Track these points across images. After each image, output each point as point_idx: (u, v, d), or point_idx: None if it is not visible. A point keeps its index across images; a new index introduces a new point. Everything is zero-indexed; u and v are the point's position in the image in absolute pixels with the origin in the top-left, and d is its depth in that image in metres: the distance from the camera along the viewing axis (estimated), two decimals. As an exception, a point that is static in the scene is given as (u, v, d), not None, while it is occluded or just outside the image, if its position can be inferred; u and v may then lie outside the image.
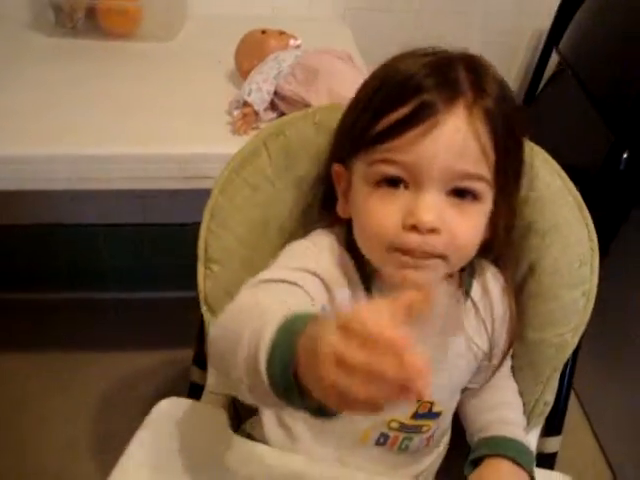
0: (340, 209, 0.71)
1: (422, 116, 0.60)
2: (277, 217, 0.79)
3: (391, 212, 0.62)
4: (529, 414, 0.78)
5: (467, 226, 0.63)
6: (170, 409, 0.76)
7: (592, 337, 0.78)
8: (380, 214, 0.63)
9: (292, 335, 0.47)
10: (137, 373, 1.64)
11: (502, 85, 0.64)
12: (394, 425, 0.72)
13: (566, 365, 0.78)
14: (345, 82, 0.99)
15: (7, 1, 1.39)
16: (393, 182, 0.62)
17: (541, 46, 1.46)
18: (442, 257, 0.63)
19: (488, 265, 0.74)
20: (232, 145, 0.98)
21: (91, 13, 1.33)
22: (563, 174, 0.76)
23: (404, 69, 0.62)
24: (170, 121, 1.07)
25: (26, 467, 1.42)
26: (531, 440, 0.78)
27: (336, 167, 0.70)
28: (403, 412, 0.71)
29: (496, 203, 0.65)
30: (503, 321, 0.73)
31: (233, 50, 1.21)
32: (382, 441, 0.73)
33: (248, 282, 0.64)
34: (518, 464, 0.69)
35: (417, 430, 0.74)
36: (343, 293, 0.68)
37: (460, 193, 0.62)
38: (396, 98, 0.61)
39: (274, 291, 0.61)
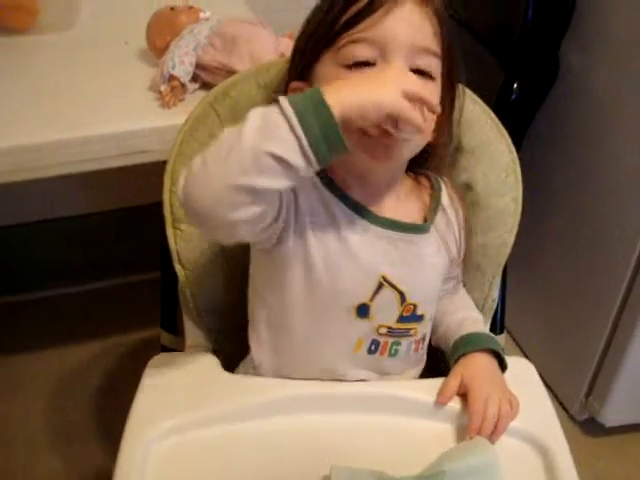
0: None
1: (382, 1, 0.69)
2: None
3: None
4: (481, 311, 0.90)
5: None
6: (162, 363, 0.82)
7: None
8: None
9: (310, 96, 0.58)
10: (84, 364, 1.67)
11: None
12: (382, 331, 0.79)
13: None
14: (264, 45, 1.07)
15: None
16: (361, 66, 0.70)
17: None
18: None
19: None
20: (164, 117, 1.06)
21: (-16, 9, 1.32)
22: (479, 101, 0.88)
23: None
24: (96, 104, 1.11)
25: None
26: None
27: (294, 84, 0.77)
28: (390, 317, 0.79)
29: (442, 97, 0.75)
30: (463, 228, 0.83)
31: (135, 30, 1.25)
32: (373, 349, 0.80)
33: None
34: (492, 353, 0.81)
35: (404, 333, 0.81)
36: None
37: (420, 73, 0.71)
38: None
39: None
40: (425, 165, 0.82)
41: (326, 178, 0.76)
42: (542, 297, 1.57)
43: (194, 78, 1.11)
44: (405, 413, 0.77)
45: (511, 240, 0.88)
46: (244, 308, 0.84)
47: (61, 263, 1.81)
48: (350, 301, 0.76)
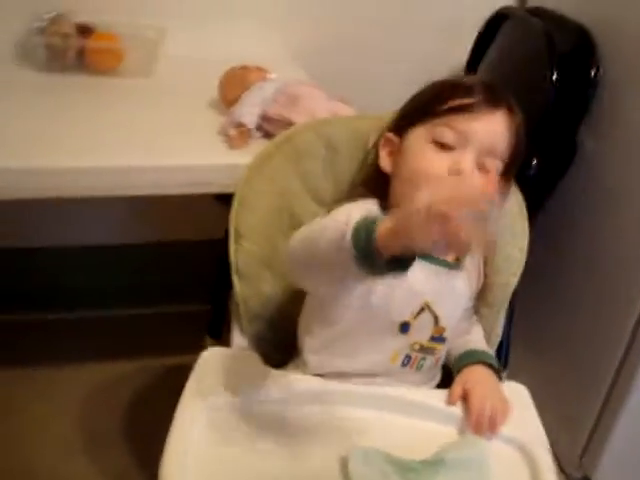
0: (384, 163, 1.00)
1: (482, 106, 0.92)
2: (288, 203, 1.07)
3: (440, 160, 0.92)
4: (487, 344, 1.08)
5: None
6: (213, 354, 1.00)
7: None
8: (432, 158, 0.92)
9: (371, 221, 0.73)
10: (117, 380, 1.83)
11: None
12: (416, 347, 0.98)
13: (510, 305, 1.08)
14: (320, 104, 1.28)
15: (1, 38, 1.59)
16: (445, 146, 0.92)
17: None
18: None
19: None
20: (229, 156, 1.26)
21: (81, 53, 1.56)
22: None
23: (465, 80, 0.99)
24: (170, 139, 1.31)
25: (17, 467, 1.56)
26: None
27: (389, 135, 1.00)
28: (424, 335, 0.98)
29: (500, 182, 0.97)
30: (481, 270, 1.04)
31: (207, 84, 1.48)
32: (406, 362, 0.99)
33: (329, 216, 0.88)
34: (489, 366, 0.99)
35: (430, 352, 1.00)
36: None
37: (482, 167, 0.93)
38: (465, 91, 0.93)
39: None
40: None
41: None
42: (544, 356, 1.73)
43: (258, 127, 1.32)
44: (417, 414, 0.94)
45: (515, 281, 1.06)
46: (289, 319, 1.03)
47: (104, 287, 2.00)
48: (397, 318, 0.96)
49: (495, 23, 1.69)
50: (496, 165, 0.95)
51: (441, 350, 1.02)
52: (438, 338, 1.00)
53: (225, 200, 1.14)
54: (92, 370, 1.84)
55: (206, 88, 1.49)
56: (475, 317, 1.09)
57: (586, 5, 1.58)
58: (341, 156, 1.07)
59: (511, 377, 1.08)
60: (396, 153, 0.98)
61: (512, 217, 1.07)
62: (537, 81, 1.46)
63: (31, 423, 1.66)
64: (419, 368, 1.01)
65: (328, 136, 1.06)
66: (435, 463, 0.87)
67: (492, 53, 1.67)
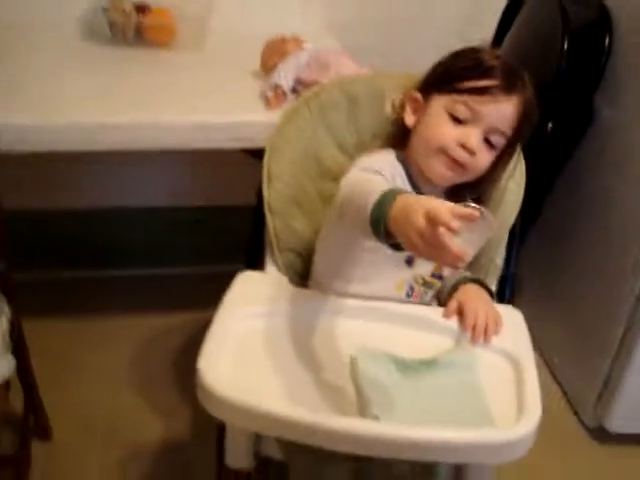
0: (408, 119, 1.16)
1: (498, 91, 1.08)
2: (314, 150, 1.25)
3: (453, 131, 1.09)
4: (485, 274, 1.23)
5: (485, 158, 1.11)
6: (248, 275, 1.19)
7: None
8: (446, 129, 1.09)
9: (388, 199, 0.87)
10: (166, 330, 2.06)
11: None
12: (419, 280, 1.16)
13: (511, 237, 1.25)
14: (348, 70, 1.45)
15: (69, 19, 1.81)
16: (458, 120, 1.09)
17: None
18: (465, 168, 1.10)
19: None
20: (268, 115, 1.44)
21: (139, 29, 1.76)
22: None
23: (488, 59, 1.11)
24: (218, 102, 1.51)
25: (79, 407, 1.77)
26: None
27: (414, 94, 1.16)
28: (426, 270, 1.15)
29: (502, 155, 1.13)
30: None
31: (250, 55, 1.66)
32: (410, 293, 1.17)
33: (353, 169, 1.07)
34: (483, 286, 1.14)
35: (431, 286, 1.18)
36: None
37: (488, 142, 1.10)
38: (484, 73, 1.09)
39: (372, 174, 1.04)
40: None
41: (408, 174, 1.15)
42: (562, 309, 1.88)
43: (293, 91, 1.50)
44: (417, 326, 1.11)
45: (511, 220, 1.23)
46: (314, 250, 1.21)
47: (155, 246, 2.21)
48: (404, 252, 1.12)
49: (520, -4, 1.85)
50: (500, 141, 1.11)
51: (439, 285, 1.19)
52: (437, 275, 1.18)
53: (259, 157, 1.33)
54: (144, 322, 2.06)
55: (250, 58, 1.68)
56: None
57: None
58: (362, 109, 1.24)
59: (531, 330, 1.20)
60: (419, 112, 1.15)
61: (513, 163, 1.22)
62: (553, 50, 1.60)
63: (88, 367, 1.89)
64: (421, 301, 1.19)
65: (350, 91, 1.24)
66: (431, 363, 1.03)
67: (516, 24, 1.82)
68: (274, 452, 1.14)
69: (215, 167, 2.05)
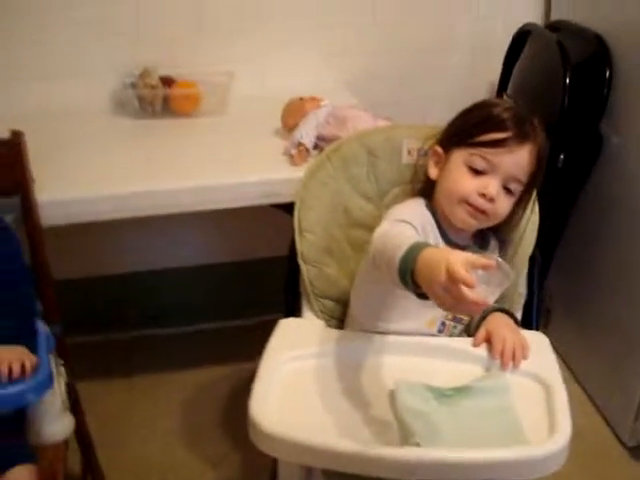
0: (432, 172, 1.27)
1: (512, 142, 1.18)
2: (340, 201, 1.36)
3: (473, 183, 1.19)
4: (510, 304, 1.32)
5: (504, 205, 1.21)
6: (289, 322, 1.29)
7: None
8: (466, 181, 1.19)
9: (413, 254, 0.95)
10: (207, 383, 2.16)
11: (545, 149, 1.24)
12: (449, 316, 1.25)
13: (531, 265, 1.35)
14: (365, 123, 1.56)
15: (98, 94, 1.97)
16: (477, 171, 1.19)
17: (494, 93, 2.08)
18: (486, 215, 1.20)
19: None
20: (293, 172, 1.56)
21: (166, 100, 1.91)
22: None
23: (500, 112, 1.21)
24: (245, 162, 1.64)
25: (130, 460, 1.87)
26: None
27: (437, 149, 1.26)
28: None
29: (520, 199, 1.24)
30: None
31: (271, 117, 1.79)
32: (441, 329, 1.26)
33: (385, 221, 1.17)
34: (507, 314, 1.24)
35: (460, 320, 1.27)
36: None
37: (507, 189, 1.20)
38: (498, 126, 1.19)
39: (401, 226, 1.14)
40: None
41: (437, 220, 1.25)
42: (594, 334, 1.95)
43: (315, 147, 1.62)
44: (449, 357, 1.19)
45: (529, 250, 1.33)
46: (348, 294, 1.32)
47: (191, 304, 2.33)
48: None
49: (520, 40, 1.96)
50: (519, 188, 1.21)
51: (468, 321, 1.28)
52: None
53: (286, 209, 1.46)
54: (188, 377, 2.18)
55: (270, 120, 1.81)
56: None
57: (600, 15, 1.84)
58: (380, 160, 1.35)
59: (565, 353, 1.25)
60: (441, 164, 1.26)
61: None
62: (556, 86, 1.71)
63: (139, 423, 2.00)
64: (450, 334, 1.28)
65: (369, 144, 1.35)
66: (465, 389, 1.12)
67: (519, 66, 1.94)
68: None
69: (244, 222, 2.18)
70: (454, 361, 1.20)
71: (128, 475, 1.82)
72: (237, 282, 2.33)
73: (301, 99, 1.73)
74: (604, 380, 1.92)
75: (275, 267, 2.23)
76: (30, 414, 1.28)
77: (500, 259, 0.95)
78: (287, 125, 1.72)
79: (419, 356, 1.20)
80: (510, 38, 2.00)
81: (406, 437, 1.04)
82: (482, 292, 0.89)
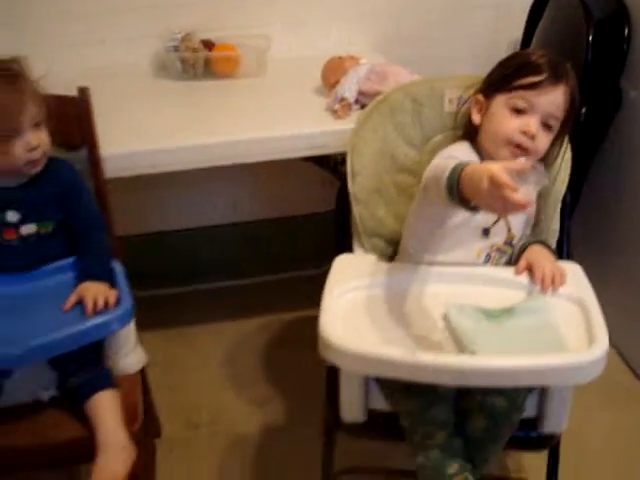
0: (475, 118, 1.40)
1: (548, 84, 1.31)
2: (387, 147, 1.49)
3: (515, 122, 1.32)
4: (545, 239, 1.46)
5: (544, 141, 1.34)
6: (345, 257, 1.42)
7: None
8: (509, 122, 1.33)
9: (457, 169, 1.11)
10: (248, 334, 2.31)
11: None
12: (494, 248, 1.39)
13: (563, 204, 1.48)
14: (404, 78, 1.69)
15: (142, 58, 2.10)
16: (518, 111, 1.32)
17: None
18: (528, 152, 1.33)
19: None
20: (337, 125, 1.69)
21: (206, 63, 2.03)
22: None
23: (535, 58, 1.34)
24: (289, 117, 1.76)
25: (185, 404, 2.02)
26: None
27: (479, 97, 1.40)
28: (500, 240, 1.39)
29: (557, 136, 1.37)
30: None
31: (307, 77, 1.92)
32: (486, 259, 1.39)
33: (435, 158, 1.32)
34: (546, 246, 1.38)
35: (504, 252, 1.40)
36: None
37: (545, 126, 1.33)
38: (535, 71, 1.32)
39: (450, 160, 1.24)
40: None
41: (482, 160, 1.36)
42: (614, 279, 2.08)
43: (356, 101, 1.75)
44: (496, 284, 1.32)
45: (563, 189, 1.47)
46: (396, 233, 1.46)
47: (232, 260, 2.48)
48: (481, 224, 1.36)
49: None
50: (556, 124, 1.34)
51: (508, 254, 1.41)
52: (509, 243, 1.40)
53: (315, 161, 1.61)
54: (228, 327, 2.32)
55: (307, 80, 1.95)
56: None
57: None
58: (424, 107, 1.48)
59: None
60: (483, 111, 1.39)
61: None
62: (579, 43, 1.83)
63: (186, 370, 2.14)
64: (496, 265, 1.41)
65: (413, 93, 1.48)
66: (511, 310, 1.25)
67: (542, 24, 2.06)
68: (381, 405, 1.35)
69: (279, 180, 2.32)
70: (499, 288, 1.32)
71: (180, 417, 1.97)
72: (272, 239, 2.46)
73: (340, 58, 1.86)
74: (624, 320, 2.05)
75: (308, 224, 2.41)
76: (108, 347, 1.39)
77: (533, 160, 1.11)
78: (328, 82, 1.84)
79: (467, 284, 1.33)
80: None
81: (462, 349, 1.18)
82: (524, 192, 1.00)
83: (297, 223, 2.46)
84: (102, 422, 1.29)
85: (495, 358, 1.14)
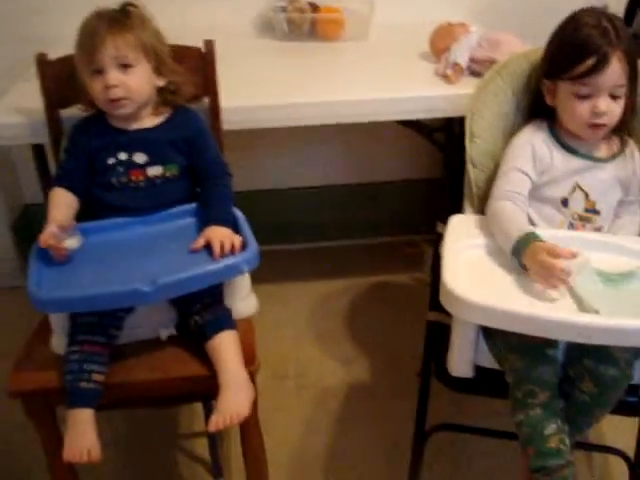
0: (549, 101, 1.47)
1: (601, 65, 1.35)
2: (506, 111, 1.55)
3: (585, 107, 1.40)
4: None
5: (617, 108, 1.40)
6: (459, 217, 1.50)
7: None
8: (579, 108, 1.40)
9: (523, 244, 1.27)
10: (332, 293, 2.42)
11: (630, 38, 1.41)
12: (575, 216, 1.46)
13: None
14: (517, 46, 1.74)
15: (248, 18, 2.19)
16: (583, 96, 1.39)
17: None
18: (606, 125, 1.40)
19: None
20: (449, 89, 1.75)
21: (312, 24, 2.10)
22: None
23: (585, 36, 1.38)
24: (401, 81, 1.83)
25: (270, 354, 2.10)
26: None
27: (547, 83, 1.46)
28: (580, 208, 1.46)
29: (629, 95, 1.42)
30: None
31: (411, 43, 1.99)
32: (570, 229, 1.46)
33: (502, 163, 1.48)
34: None
35: (587, 220, 1.46)
36: None
37: (613, 96, 1.39)
38: (587, 52, 1.36)
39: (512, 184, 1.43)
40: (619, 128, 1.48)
41: (555, 135, 1.47)
42: None
43: (466, 68, 1.81)
44: (609, 249, 1.39)
45: None
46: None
47: (320, 222, 2.58)
48: (559, 195, 1.44)
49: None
50: (622, 90, 1.39)
51: (597, 221, 1.46)
52: (591, 210, 1.46)
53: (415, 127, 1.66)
54: (313, 287, 2.44)
55: (411, 45, 2.01)
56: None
57: None
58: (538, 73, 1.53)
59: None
60: (553, 93, 1.46)
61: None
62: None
63: (273, 326, 2.23)
64: None
65: (535, 61, 1.53)
66: (629, 274, 1.32)
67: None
68: (488, 363, 1.42)
69: (370, 146, 2.39)
70: (611, 254, 1.38)
71: (268, 369, 2.06)
72: (359, 203, 2.54)
73: (450, 24, 1.91)
74: None
75: (395, 190, 2.49)
76: (227, 291, 1.47)
77: (579, 250, 1.29)
78: (436, 48, 1.90)
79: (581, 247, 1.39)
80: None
81: (583, 308, 1.24)
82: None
83: (384, 189, 2.53)
84: (225, 361, 1.35)
85: (623, 318, 1.20)
